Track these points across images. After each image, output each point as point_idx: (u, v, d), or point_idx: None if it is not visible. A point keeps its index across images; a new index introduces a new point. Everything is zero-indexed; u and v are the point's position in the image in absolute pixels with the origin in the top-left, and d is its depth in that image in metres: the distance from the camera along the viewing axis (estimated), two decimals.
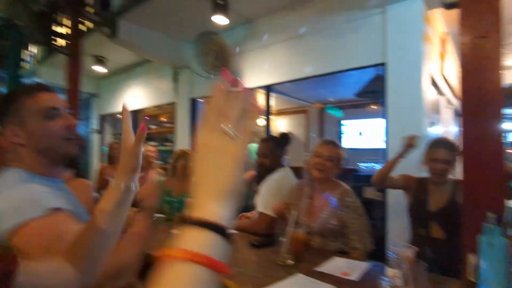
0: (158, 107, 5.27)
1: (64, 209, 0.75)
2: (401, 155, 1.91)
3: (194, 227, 0.37)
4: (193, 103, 4.49)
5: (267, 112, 3.85)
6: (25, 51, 6.15)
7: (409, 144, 1.87)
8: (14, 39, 6.10)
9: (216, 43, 3.64)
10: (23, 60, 6.28)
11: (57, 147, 0.86)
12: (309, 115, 6.43)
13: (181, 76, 4.54)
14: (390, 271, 1.01)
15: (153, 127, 5.67)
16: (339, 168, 1.81)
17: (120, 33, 3.63)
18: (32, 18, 4.20)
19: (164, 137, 5.53)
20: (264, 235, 1.78)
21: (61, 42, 4.98)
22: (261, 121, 6.42)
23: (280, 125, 6.87)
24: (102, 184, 3.15)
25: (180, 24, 3.74)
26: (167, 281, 0.34)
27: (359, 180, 3.25)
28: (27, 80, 6.19)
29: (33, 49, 5.78)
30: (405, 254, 1.09)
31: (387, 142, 2.71)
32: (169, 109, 5.10)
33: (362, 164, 4.57)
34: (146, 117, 5.78)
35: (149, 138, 5.76)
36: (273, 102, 5.45)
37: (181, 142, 4.60)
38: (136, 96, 5.44)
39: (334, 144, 1.84)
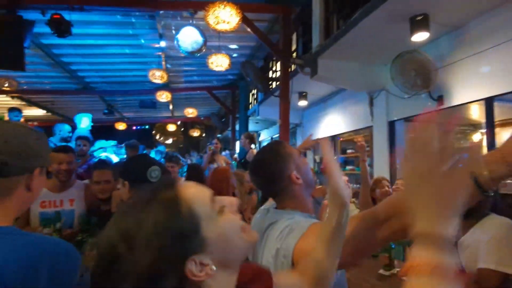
0: (354, 131, 5.37)
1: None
2: None
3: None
4: (391, 125, 4.28)
5: (488, 126, 3.14)
6: (251, 96, 8.03)
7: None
8: (243, 88, 8.03)
9: (415, 61, 3.37)
10: (249, 102, 8.16)
11: (312, 177, 1.10)
12: None
13: (377, 100, 4.47)
14: None
15: (349, 151, 5.81)
16: None
17: (319, 71, 4.03)
18: (256, 71, 5.38)
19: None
20: None
21: (274, 85, 6.10)
22: (476, 135, 5.24)
23: (506, 138, 5.33)
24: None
25: (376, 50, 3.74)
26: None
27: None
28: (252, 118, 7.92)
29: (254, 92, 7.41)
30: None
31: None
32: (365, 132, 5.09)
33: None
34: (339, 138, 6.00)
35: (346, 161, 5.91)
36: (497, 111, 4.37)
37: (379, 165, 4.45)
38: (333, 123, 5.78)
39: None
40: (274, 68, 6.30)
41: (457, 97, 3.29)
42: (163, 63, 6.77)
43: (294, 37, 5.53)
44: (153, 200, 0.49)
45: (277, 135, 8.31)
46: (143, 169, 1.41)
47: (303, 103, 5.68)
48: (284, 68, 4.80)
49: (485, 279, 1.44)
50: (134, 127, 13.22)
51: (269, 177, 1.04)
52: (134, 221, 0.47)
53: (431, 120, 0.48)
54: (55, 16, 3.53)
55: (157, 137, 13.73)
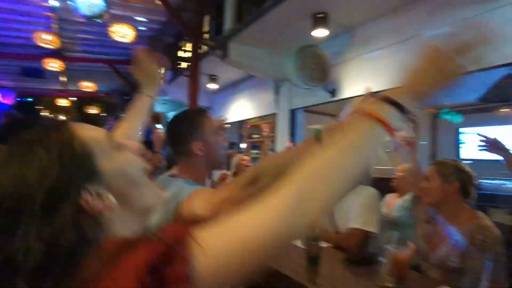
0: (260, 117, 5.65)
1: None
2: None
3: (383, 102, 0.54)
4: (293, 114, 4.65)
5: None
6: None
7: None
8: None
9: (314, 56, 3.71)
10: None
11: (222, 157, 1.11)
12: (418, 121, 5.82)
13: (282, 89, 4.78)
14: None
15: (255, 136, 6.10)
16: (449, 187, 1.57)
17: (230, 54, 4.07)
18: (164, 48, 5.09)
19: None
20: (354, 252, 1.73)
21: (183, 65, 5.88)
22: None
23: None
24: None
25: (282, 40, 3.97)
26: (353, 128, 0.54)
27: (482, 200, 2.80)
28: (160, 98, 7.51)
29: (163, 71, 7.01)
30: None
31: None
32: (270, 119, 5.41)
33: (486, 180, 3.88)
34: (247, 125, 6.25)
35: (253, 146, 6.20)
36: None
37: (281, 149, 4.80)
38: (241, 108, 5.96)
39: (438, 162, 1.65)
40: (184, 48, 6.07)
41: (347, 91, 3.76)
42: (55, 26, 5.81)
43: (207, 18, 5.43)
44: (44, 138, 0.47)
45: None
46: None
47: (213, 86, 5.66)
48: (194, 48, 4.68)
49: (353, 236, 1.78)
50: (14, 99, 11.02)
51: (173, 138, 1.06)
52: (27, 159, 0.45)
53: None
54: None
55: (45, 113, 11.81)
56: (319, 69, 3.70)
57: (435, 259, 1.54)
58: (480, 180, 3.92)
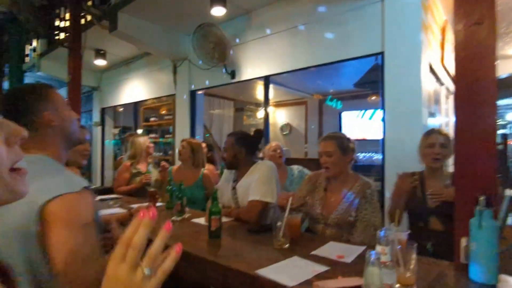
0: (158, 99, 5.30)
1: (90, 188, 0.86)
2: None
3: None
4: (193, 95, 4.50)
5: (265, 104, 3.87)
6: (27, 45, 6.19)
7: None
8: (16, 34, 6.14)
9: (213, 35, 3.64)
10: (25, 54, 6.33)
11: (76, 132, 1.00)
12: (308, 106, 6.43)
13: (180, 69, 4.55)
14: (379, 247, 1.04)
15: (153, 119, 5.71)
16: (346, 158, 1.79)
17: (120, 26, 3.63)
18: (33, 12, 4.21)
19: (164, 129, 5.57)
20: (256, 223, 1.81)
21: (62, 35, 4.99)
22: (259, 113, 6.45)
23: (280, 116, 6.89)
24: (125, 181, 2.96)
25: (179, 17, 3.75)
26: None
27: (357, 170, 3.30)
28: (29, 73, 6.23)
29: (34, 42, 5.80)
30: (398, 236, 1.12)
31: (384, 132, 2.73)
32: (169, 101, 5.13)
33: (361, 154, 4.61)
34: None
35: (149, 130, 5.79)
36: (272, 93, 5.46)
37: (181, 133, 4.63)
38: (136, 89, 5.46)
39: (330, 137, 1.84)
40: (62, 16, 5.14)
41: (245, 74, 3.83)
42: None
43: None
44: None
45: (65, 98, 7.01)
46: None
47: (101, 62, 5.00)
48: (75, 17, 4.00)
49: (253, 207, 1.86)
50: None
51: (19, 108, 0.91)
52: None
53: None
54: None
55: None
56: (218, 48, 3.65)
57: (334, 219, 1.72)
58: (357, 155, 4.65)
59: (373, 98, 5.06)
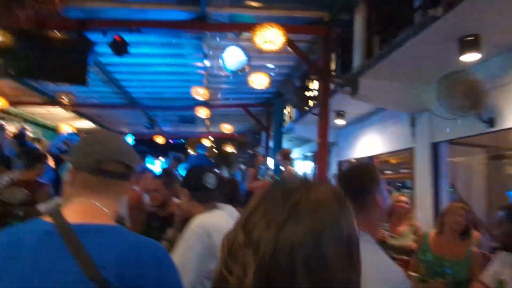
0: (393, 152, 5.26)
1: None
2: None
3: None
4: (435, 147, 4.16)
5: None
6: (286, 113, 8.11)
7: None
8: (279, 105, 8.19)
9: (464, 82, 3.30)
10: (283, 119, 8.28)
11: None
12: None
13: (419, 121, 4.38)
14: None
15: (388, 172, 5.67)
16: None
17: (360, 90, 4.05)
18: (297, 91, 5.50)
19: (401, 182, 5.38)
20: None
21: (310, 103, 6.17)
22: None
23: None
24: None
25: (420, 70, 3.72)
26: None
27: None
28: (286, 134, 8.02)
29: (288, 108, 7.49)
30: None
31: None
32: (405, 154, 4.97)
33: None
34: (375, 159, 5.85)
35: (387, 183, 5.76)
36: None
37: (421, 189, 4.30)
38: (370, 143, 5.70)
39: None
40: (310, 87, 6.39)
41: (509, 121, 3.16)
42: (204, 81, 7.09)
43: (333, 57, 5.61)
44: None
45: (310, 153, 8.29)
46: (200, 176, 1.55)
47: (340, 122, 5.67)
48: (324, 87, 4.86)
49: None
50: (171, 141, 13.77)
51: (356, 188, 1.05)
52: None
53: None
54: (117, 38, 3.89)
55: (189, 150, 14.17)
56: (469, 95, 3.27)
57: None
58: None
59: None
